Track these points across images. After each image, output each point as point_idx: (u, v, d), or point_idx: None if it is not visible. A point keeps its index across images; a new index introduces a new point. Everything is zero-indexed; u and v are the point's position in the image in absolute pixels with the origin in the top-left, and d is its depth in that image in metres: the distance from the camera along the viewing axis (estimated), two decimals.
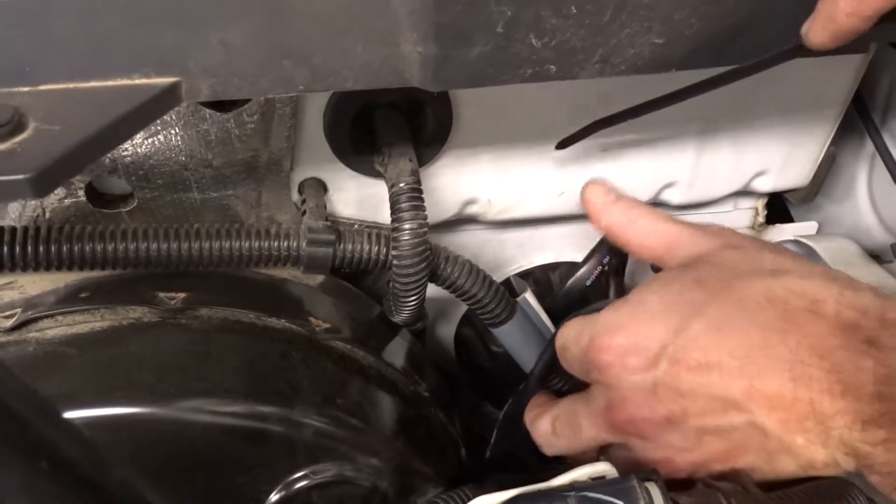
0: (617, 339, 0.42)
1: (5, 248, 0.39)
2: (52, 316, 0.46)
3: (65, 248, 0.42)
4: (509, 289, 0.57)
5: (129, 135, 0.31)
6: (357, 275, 0.62)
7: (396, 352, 0.56)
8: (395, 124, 0.52)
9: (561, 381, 0.56)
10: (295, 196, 0.56)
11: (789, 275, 0.41)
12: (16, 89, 0.31)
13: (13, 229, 0.40)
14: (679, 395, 0.41)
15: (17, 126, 0.28)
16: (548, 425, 0.50)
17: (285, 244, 0.49)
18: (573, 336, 0.47)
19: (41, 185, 0.26)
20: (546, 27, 0.36)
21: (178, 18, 0.32)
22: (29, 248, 0.40)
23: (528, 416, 0.53)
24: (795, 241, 0.74)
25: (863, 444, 0.36)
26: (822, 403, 0.37)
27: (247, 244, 0.48)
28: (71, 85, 0.31)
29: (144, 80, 0.32)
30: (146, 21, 0.31)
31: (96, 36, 0.31)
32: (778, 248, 0.47)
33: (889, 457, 0.36)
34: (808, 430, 0.38)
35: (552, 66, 0.38)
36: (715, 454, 0.43)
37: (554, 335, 0.52)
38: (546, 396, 0.54)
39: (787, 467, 0.41)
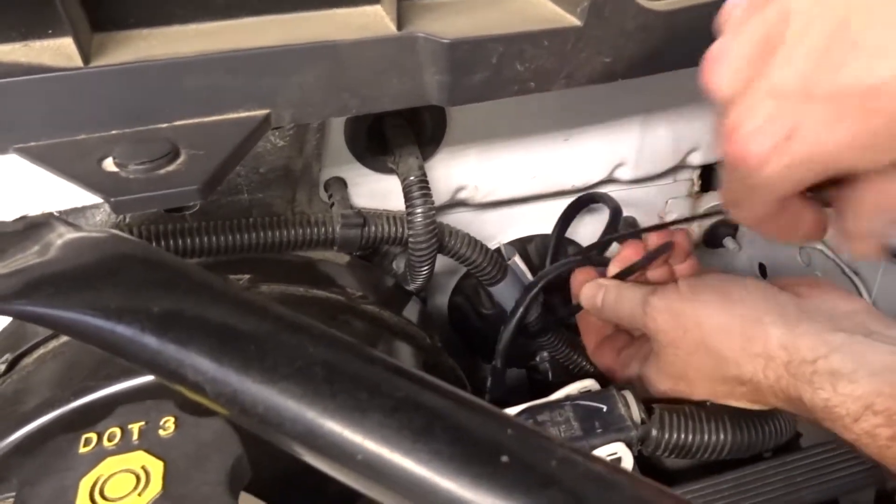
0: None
1: None
2: None
3: (170, 244, 0.54)
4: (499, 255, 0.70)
5: (245, 154, 0.43)
6: (368, 256, 0.74)
7: (412, 312, 0.69)
8: (402, 130, 0.63)
9: (534, 325, 0.70)
10: (322, 193, 0.67)
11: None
12: (157, 125, 0.43)
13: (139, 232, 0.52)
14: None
15: (176, 153, 0.40)
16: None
17: (323, 230, 0.61)
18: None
19: (205, 192, 0.38)
20: (527, 56, 0.49)
21: (270, 69, 0.44)
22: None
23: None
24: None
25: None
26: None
27: (294, 231, 0.60)
28: (197, 120, 0.43)
29: (247, 113, 0.44)
30: (249, 73, 0.43)
31: (215, 84, 0.43)
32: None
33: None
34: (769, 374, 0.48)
35: (532, 83, 0.50)
36: None
37: (527, 290, 0.66)
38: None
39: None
